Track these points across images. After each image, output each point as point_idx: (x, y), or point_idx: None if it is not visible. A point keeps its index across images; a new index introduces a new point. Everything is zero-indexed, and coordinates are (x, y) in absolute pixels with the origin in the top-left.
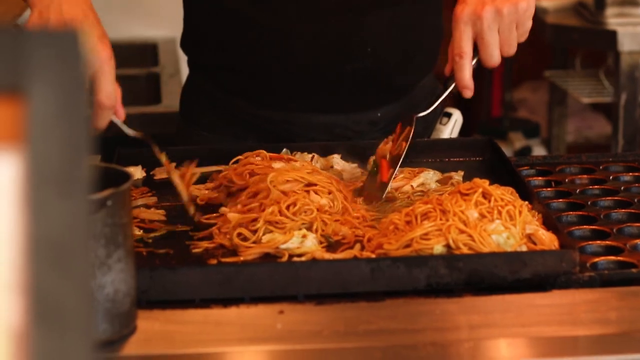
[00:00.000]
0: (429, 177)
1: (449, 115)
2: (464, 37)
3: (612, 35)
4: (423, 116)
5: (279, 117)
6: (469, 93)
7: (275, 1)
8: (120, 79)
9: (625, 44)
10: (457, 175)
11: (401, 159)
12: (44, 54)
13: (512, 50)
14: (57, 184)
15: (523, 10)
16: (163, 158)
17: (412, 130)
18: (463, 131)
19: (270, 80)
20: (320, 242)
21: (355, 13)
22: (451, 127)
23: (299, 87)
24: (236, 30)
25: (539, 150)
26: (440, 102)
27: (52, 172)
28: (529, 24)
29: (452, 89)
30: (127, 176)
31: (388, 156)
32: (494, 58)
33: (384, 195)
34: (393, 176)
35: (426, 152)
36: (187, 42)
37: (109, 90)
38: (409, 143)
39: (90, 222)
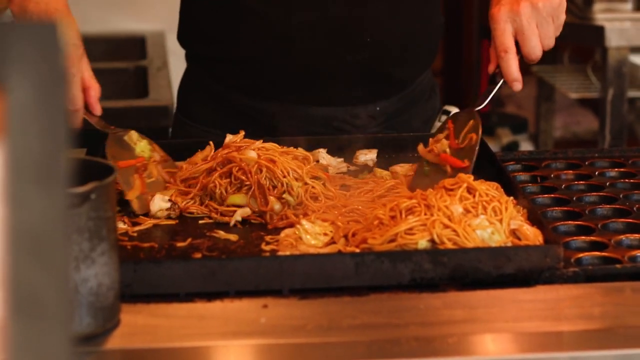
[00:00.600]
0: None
1: (448, 113)
2: (506, 34)
3: (600, 30)
4: (478, 110)
5: (277, 110)
6: (518, 85)
7: None
8: (107, 73)
9: (613, 40)
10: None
11: (476, 151)
12: (24, 46)
13: (551, 42)
14: (36, 176)
15: (557, 3)
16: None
17: (480, 123)
18: None
19: (268, 71)
20: None
21: (354, 3)
22: None
23: (298, 78)
24: (234, 20)
25: (526, 146)
26: (492, 96)
27: (31, 164)
28: (563, 17)
29: (502, 84)
30: (112, 170)
31: (448, 151)
32: (536, 50)
33: None
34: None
35: (413, 146)
36: (185, 34)
37: (72, 95)
38: (480, 135)
39: (73, 215)
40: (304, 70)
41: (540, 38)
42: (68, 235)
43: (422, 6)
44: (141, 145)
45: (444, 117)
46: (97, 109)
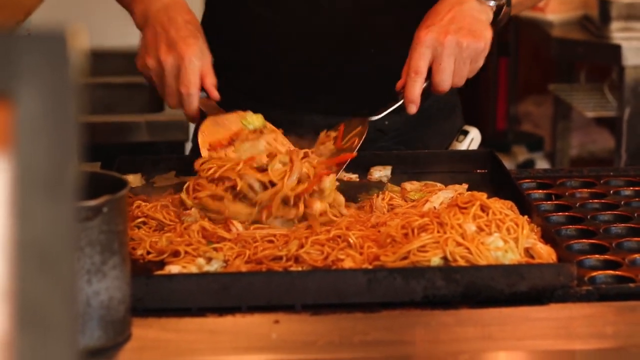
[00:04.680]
0: (448, 196)
1: (466, 133)
2: (423, 58)
3: (617, 49)
4: (374, 120)
5: (286, 118)
6: (413, 108)
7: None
8: (124, 87)
9: (630, 58)
10: (462, 188)
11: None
12: (33, 58)
13: (461, 82)
14: (44, 188)
15: (480, 49)
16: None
17: (365, 131)
18: None
19: (277, 78)
20: None
21: (362, 14)
22: (467, 144)
23: (305, 85)
24: (241, 26)
25: (542, 164)
26: (388, 112)
27: (40, 177)
28: (481, 62)
29: (401, 102)
30: (124, 183)
31: (332, 153)
32: (444, 83)
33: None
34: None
35: (428, 163)
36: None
37: (187, 80)
38: (361, 141)
39: (85, 228)
40: (308, 78)
41: (453, 74)
42: (75, 249)
43: None
44: (253, 120)
45: (461, 137)
46: (215, 95)
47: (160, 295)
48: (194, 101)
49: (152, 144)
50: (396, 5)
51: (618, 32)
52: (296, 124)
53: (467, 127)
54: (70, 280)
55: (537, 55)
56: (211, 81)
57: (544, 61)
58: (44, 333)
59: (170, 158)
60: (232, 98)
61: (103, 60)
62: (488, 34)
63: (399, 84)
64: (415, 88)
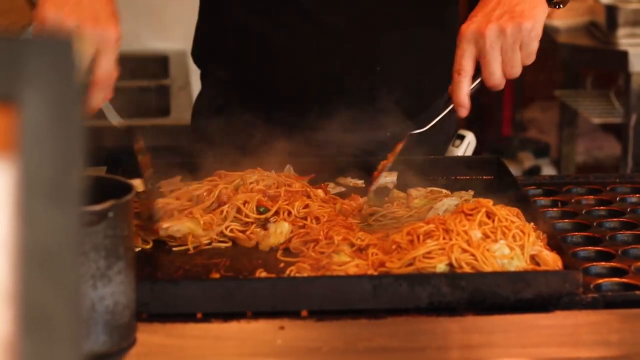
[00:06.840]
0: (452, 204)
1: (462, 138)
2: (465, 55)
3: (624, 55)
4: (417, 133)
5: (288, 133)
6: (464, 112)
7: (288, 17)
8: (130, 91)
9: (636, 65)
10: (467, 195)
11: (385, 169)
12: (37, 62)
13: (515, 71)
14: (49, 193)
15: (528, 30)
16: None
17: (402, 145)
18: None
19: (279, 95)
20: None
21: (367, 31)
22: (464, 149)
23: (308, 102)
24: (248, 45)
25: (548, 170)
26: (439, 119)
27: (44, 182)
28: (534, 45)
29: (452, 107)
30: (130, 188)
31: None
32: (495, 77)
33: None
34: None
35: (434, 169)
36: (199, 53)
37: (108, 69)
38: (394, 156)
39: (90, 233)
40: (313, 95)
41: (503, 65)
42: (80, 254)
43: (437, 38)
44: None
45: (457, 142)
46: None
47: (165, 301)
48: (102, 97)
49: (157, 148)
50: (401, 22)
51: (625, 39)
52: (298, 139)
53: (462, 132)
54: (75, 285)
55: (543, 61)
56: (114, 78)
57: (550, 67)
58: (48, 337)
59: (176, 163)
60: (233, 113)
61: None
62: (538, 12)
63: (451, 88)
64: (461, 90)
